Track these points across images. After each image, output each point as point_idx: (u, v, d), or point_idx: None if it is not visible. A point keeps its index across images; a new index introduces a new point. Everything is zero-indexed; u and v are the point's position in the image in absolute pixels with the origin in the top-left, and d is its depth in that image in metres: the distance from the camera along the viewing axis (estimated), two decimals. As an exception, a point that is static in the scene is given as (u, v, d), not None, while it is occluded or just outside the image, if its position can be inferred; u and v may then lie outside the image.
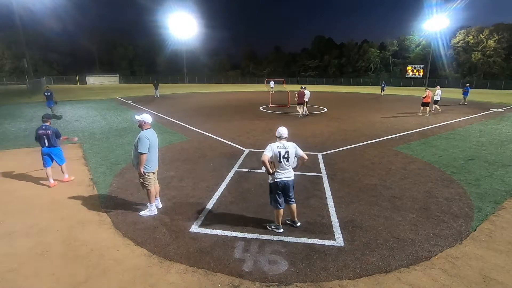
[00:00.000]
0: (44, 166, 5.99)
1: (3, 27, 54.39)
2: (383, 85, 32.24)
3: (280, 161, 4.04)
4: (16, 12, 31.32)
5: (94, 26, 71.06)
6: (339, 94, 34.98)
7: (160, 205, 5.03)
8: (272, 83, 33.30)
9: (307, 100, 15.99)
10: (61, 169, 6.21)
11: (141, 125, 4.60)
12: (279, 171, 4.10)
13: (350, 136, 10.86)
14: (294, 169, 4.23)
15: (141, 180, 4.64)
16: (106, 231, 4.29)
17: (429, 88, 17.69)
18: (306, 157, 4.13)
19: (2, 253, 3.75)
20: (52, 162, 6.07)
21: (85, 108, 19.07)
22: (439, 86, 19.22)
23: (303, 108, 15.99)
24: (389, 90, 40.77)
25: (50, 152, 5.96)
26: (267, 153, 3.99)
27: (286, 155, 4.02)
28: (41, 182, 6.23)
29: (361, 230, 4.32)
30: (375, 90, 39.22)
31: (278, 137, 4.16)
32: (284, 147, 4.04)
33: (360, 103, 23.58)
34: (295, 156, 4.11)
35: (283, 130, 4.16)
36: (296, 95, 15.84)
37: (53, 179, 6.07)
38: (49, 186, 5.96)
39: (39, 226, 4.40)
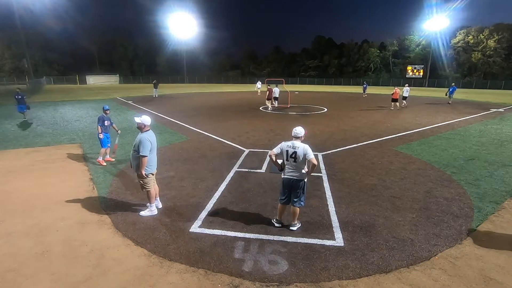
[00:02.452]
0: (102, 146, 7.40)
1: (3, 27, 54.39)
2: (365, 86, 31.45)
3: (287, 160, 4.11)
4: (16, 12, 31.35)
5: (94, 26, 71.33)
6: (339, 94, 34.95)
7: (160, 205, 5.03)
8: (259, 84, 32.41)
9: (276, 96, 18.91)
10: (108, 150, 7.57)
11: (140, 127, 4.57)
12: (287, 168, 4.17)
13: (350, 136, 10.86)
14: (307, 173, 4.12)
15: (141, 182, 4.63)
16: (106, 231, 4.29)
17: (397, 87, 20.29)
18: (315, 162, 3.94)
19: (2, 253, 3.75)
20: (108, 143, 7.43)
21: (85, 108, 19.06)
22: (407, 84, 21.94)
23: (271, 103, 18.81)
24: (389, 90, 40.72)
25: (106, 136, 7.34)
26: (275, 150, 4.20)
27: (293, 156, 4.03)
28: (41, 182, 6.23)
29: (361, 230, 4.32)
30: (375, 90, 39.25)
31: (292, 136, 4.17)
32: (293, 147, 4.04)
33: (360, 103, 23.58)
34: (305, 158, 4.00)
35: (297, 130, 4.13)
36: (267, 91, 18.86)
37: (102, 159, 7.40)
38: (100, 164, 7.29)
39: (39, 226, 4.40)
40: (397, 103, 19.44)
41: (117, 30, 71.99)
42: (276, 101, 19.11)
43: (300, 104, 22.21)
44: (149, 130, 4.63)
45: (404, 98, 20.53)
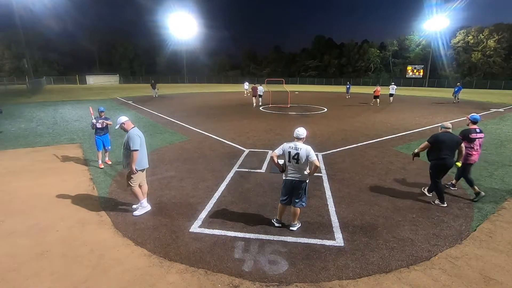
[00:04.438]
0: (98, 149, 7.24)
1: (3, 27, 54.49)
2: (348, 86, 29.52)
3: (289, 161, 4.06)
4: (16, 12, 31.33)
5: (94, 26, 71.29)
6: (339, 94, 34.94)
7: (149, 207, 4.99)
8: (246, 84, 30.90)
9: (260, 94, 20.43)
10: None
11: (123, 128, 4.68)
12: (289, 169, 4.13)
13: (350, 136, 10.85)
14: (309, 174, 4.12)
15: (129, 178, 4.64)
16: (106, 231, 4.29)
17: (378, 85, 23.17)
18: (317, 164, 3.92)
19: (2, 253, 3.75)
20: (107, 146, 7.32)
21: (85, 108, 19.04)
22: (393, 83, 24.52)
23: (257, 100, 20.44)
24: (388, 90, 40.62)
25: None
26: (277, 151, 4.13)
27: (295, 157, 3.99)
28: (41, 182, 6.23)
29: (361, 230, 4.32)
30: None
31: (294, 137, 4.13)
32: (296, 149, 3.99)
33: (360, 103, 23.58)
34: (307, 160, 3.99)
35: (299, 131, 4.10)
36: (251, 89, 20.94)
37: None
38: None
39: (39, 226, 4.40)
40: (378, 100, 21.63)
41: (117, 30, 72.24)
42: (260, 98, 20.88)
43: (300, 104, 22.22)
44: (134, 127, 4.69)
45: (391, 95, 23.25)
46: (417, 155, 5.60)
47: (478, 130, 5.52)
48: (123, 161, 4.72)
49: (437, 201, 5.28)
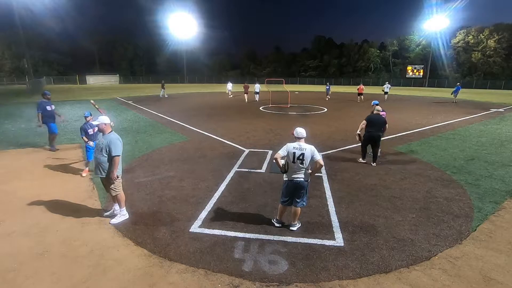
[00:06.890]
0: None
1: (3, 27, 54.42)
2: (327, 87, 27.03)
3: (293, 162, 4.02)
4: (16, 12, 31.28)
5: (94, 26, 71.80)
6: (339, 94, 34.92)
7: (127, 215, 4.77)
8: (230, 85, 28.92)
9: (257, 91, 23.51)
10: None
11: (102, 129, 4.38)
12: (292, 170, 4.08)
13: (350, 136, 10.84)
14: (311, 174, 4.13)
15: (112, 185, 4.38)
16: (106, 231, 4.29)
17: (362, 83, 25.98)
18: (322, 163, 3.96)
19: (2, 253, 3.74)
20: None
21: (85, 108, 19.01)
22: (387, 82, 27.85)
23: (249, 97, 23.21)
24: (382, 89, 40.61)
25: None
26: (281, 152, 4.05)
27: (300, 157, 3.96)
28: (41, 182, 6.23)
29: (361, 230, 4.32)
30: (375, 90, 39.17)
31: (296, 137, 4.11)
32: (300, 149, 3.98)
33: (360, 103, 23.58)
34: (312, 160, 4.00)
35: (301, 131, 4.10)
36: (243, 87, 23.99)
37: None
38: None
39: (39, 226, 4.39)
40: (361, 96, 24.24)
41: (117, 30, 72.93)
42: (257, 95, 23.61)
43: (300, 104, 22.22)
44: (112, 131, 4.45)
45: (385, 93, 26.20)
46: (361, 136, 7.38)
47: (381, 110, 7.71)
48: (99, 166, 4.39)
49: (360, 159, 7.58)
